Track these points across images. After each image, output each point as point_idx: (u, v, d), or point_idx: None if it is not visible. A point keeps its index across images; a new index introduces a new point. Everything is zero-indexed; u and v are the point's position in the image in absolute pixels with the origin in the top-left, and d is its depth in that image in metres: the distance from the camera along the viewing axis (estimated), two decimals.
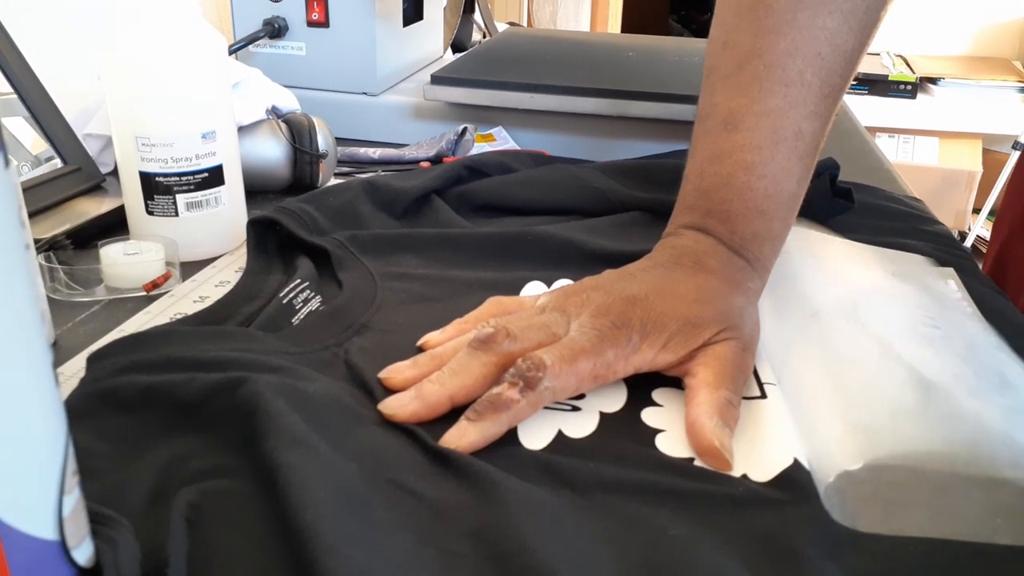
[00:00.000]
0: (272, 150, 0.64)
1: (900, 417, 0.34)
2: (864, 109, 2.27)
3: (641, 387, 0.39)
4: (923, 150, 2.36)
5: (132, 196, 0.54)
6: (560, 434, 0.36)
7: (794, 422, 0.36)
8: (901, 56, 2.54)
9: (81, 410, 0.34)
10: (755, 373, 0.40)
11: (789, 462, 0.33)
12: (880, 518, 0.31)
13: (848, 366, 0.38)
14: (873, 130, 2.33)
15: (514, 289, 0.48)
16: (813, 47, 0.44)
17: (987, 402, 0.35)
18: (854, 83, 0.45)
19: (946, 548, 0.30)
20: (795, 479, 0.33)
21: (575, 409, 0.37)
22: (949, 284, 0.48)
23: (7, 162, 0.21)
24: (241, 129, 0.62)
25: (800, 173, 0.45)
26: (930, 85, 2.37)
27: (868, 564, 0.29)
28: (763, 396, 0.39)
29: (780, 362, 0.41)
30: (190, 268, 0.53)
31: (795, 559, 0.29)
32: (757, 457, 0.34)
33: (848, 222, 0.57)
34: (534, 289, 0.48)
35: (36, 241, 0.51)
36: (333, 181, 0.68)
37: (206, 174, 0.53)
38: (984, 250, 1.48)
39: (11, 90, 0.59)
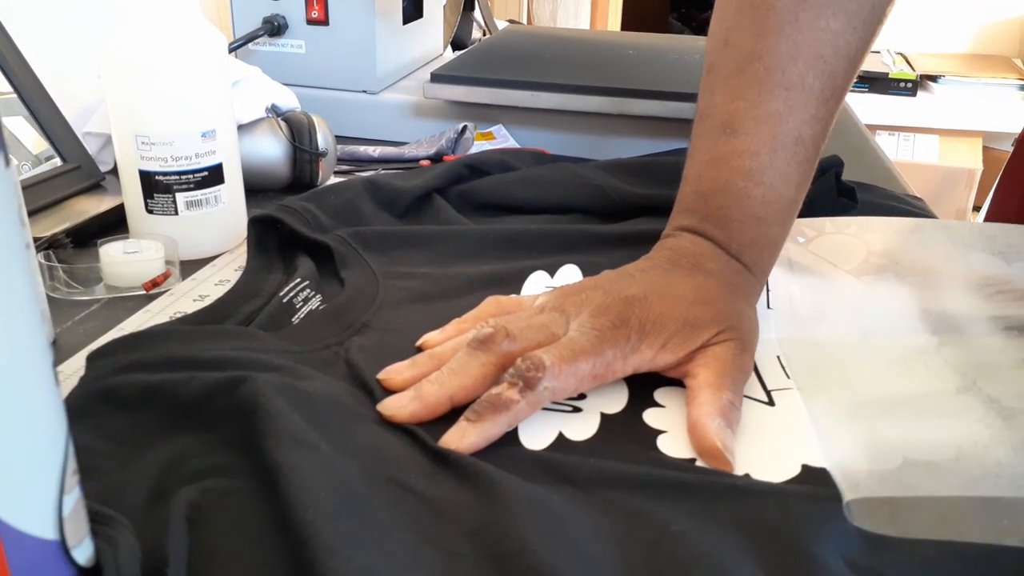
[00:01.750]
0: (272, 148, 0.64)
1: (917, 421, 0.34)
2: (864, 107, 2.26)
3: (643, 387, 0.39)
4: (923, 148, 2.35)
5: (132, 195, 0.54)
6: (561, 436, 0.36)
7: (811, 424, 0.36)
8: (901, 54, 2.54)
9: (81, 409, 0.34)
10: (761, 380, 0.40)
11: (796, 469, 0.33)
12: (887, 519, 0.31)
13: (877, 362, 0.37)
14: (873, 128, 2.33)
15: (518, 279, 0.48)
16: (815, 49, 0.43)
17: None
18: (854, 81, 0.45)
19: (953, 549, 0.30)
20: (797, 482, 0.33)
21: (576, 410, 0.37)
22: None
23: (7, 161, 0.21)
24: (241, 127, 0.62)
25: (799, 178, 0.44)
26: (930, 83, 2.36)
27: (874, 564, 0.29)
28: (770, 403, 0.38)
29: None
30: (190, 267, 0.53)
31: (800, 556, 0.29)
32: (760, 462, 0.34)
33: None
34: (538, 278, 0.48)
35: (36, 240, 0.51)
36: (333, 179, 0.68)
37: (206, 173, 0.53)
38: None
39: (11, 90, 0.59)
